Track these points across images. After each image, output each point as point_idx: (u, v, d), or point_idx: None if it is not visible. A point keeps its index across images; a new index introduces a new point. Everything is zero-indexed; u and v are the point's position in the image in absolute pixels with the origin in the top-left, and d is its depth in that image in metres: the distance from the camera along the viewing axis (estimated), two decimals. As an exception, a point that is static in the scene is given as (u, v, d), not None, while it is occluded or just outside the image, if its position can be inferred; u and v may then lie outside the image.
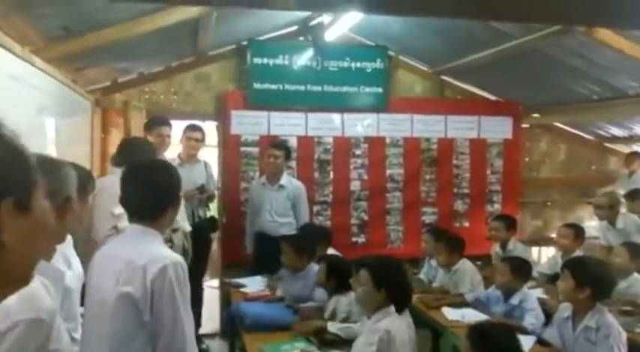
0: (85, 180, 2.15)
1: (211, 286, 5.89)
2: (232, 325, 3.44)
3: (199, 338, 4.88)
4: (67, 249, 2.15)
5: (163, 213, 1.90)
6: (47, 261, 1.56)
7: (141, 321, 1.71)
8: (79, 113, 3.76)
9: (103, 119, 4.86)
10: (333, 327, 2.71)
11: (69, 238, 2.23)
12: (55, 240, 1.62)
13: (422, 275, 4.40)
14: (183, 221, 4.30)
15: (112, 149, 4.27)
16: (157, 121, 4.21)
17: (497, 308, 3.50)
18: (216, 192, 4.93)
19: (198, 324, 4.90)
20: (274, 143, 4.83)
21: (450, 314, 3.47)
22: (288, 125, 5.34)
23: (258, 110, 5.23)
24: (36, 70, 2.82)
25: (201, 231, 4.69)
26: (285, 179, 4.70)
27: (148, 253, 1.77)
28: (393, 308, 2.52)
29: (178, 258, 1.83)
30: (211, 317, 5.26)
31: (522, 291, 3.48)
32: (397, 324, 2.47)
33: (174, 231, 4.14)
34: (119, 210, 2.43)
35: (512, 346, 2.21)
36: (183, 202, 4.47)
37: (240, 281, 4.08)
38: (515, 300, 3.44)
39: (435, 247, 4.22)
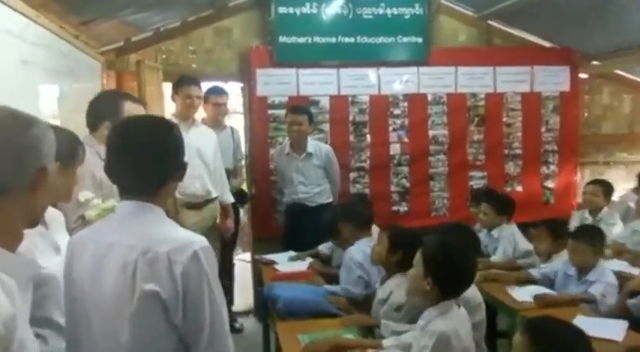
0: (71, 147, 1.72)
1: (243, 260, 5.53)
2: (265, 308, 3.01)
3: (232, 316, 4.53)
4: (56, 231, 1.73)
5: (164, 185, 1.46)
6: (11, 251, 1.11)
7: (171, 324, 1.31)
8: (85, 75, 3.31)
9: (117, 83, 4.43)
10: (388, 342, 2.19)
11: (59, 218, 1.81)
12: (24, 223, 1.17)
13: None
14: (223, 190, 3.90)
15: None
16: (185, 80, 3.79)
17: (571, 287, 2.99)
18: (243, 162, 4.47)
19: (230, 301, 4.55)
20: (294, 107, 4.35)
21: (517, 293, 2.97)
22: (319, 83, 4.81)
23: (286, 68, 4.72)
24: (27, 21, 2.36)
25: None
26: (312, 145, 4.25)
27: (166, 238, 1.35)
28: (449, 303, 2.03)
29: (204, 239, 1.39)
30: (244, 294, 4.90)
31: (600, 266, 2.98)
32: (454, 323, 1.98)
33: (206, 202, 3.74)
34: (85, 195, 2.01)
35: (579, 340, 1.72)
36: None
37: (272, 257, 3.64)
38: (592, 277, 2.94)
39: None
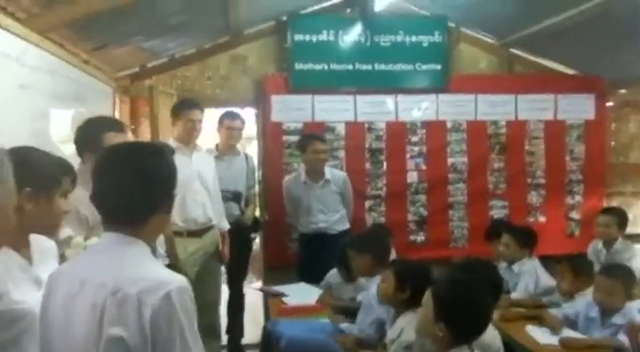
0: (51, 174, 1.62)
1: (257, 288, 5.39)
2: (268, 346, 2.87)
3: (241, 349, 4.40)
4: (45, 263, 1.64)
5: (151, 216, 1.34)
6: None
7: None
8: (96, 100, 3.29)
9: (131, 108, 4.43)
10: None
11: (52, 250, 1.73)
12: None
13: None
14: (220, 218, 3.83)
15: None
16: (186, 104, 3.71)
17: (595, 332, 2.77)
18: (257, 188, 4.40)
19: (240, 334, 4.42)
20: (318, 136, 4.25)
21: (539, 334, 2.78)
22: (335, 110, 4.74)
23: (301, 94, 4.66)
24: (27, 45, 2.34)
25: (242, 231, 4.20)
26: (328, 172, 4.18)
27: (139, 276, 1.23)
28: (462, 349, 1.86)
29: (183, 280, 1.27)
30: (256, 324, 4.75)
31: (626, 308, 2.76)
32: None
33: (206, 229, 3.66)
34: (66, 232, 1.89)
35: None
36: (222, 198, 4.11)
37: (281, 288, 3.51)
38: (618, 320, 2.72)
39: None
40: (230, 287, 4.38)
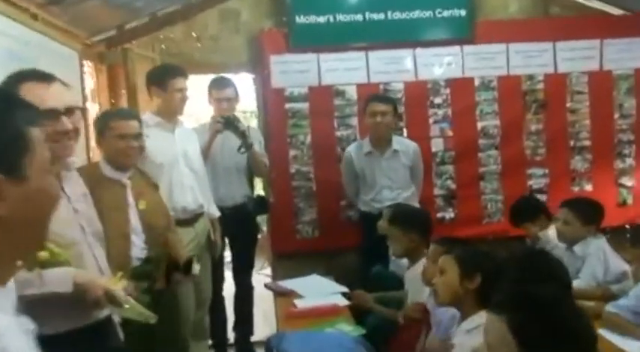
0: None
1: (267, 275, 4.84)
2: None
3: (251, 347, 3.85)
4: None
5: None
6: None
7: None
8: (52, 68, 2.62)
9: (109, 79, 3.79)
10: None
11: None
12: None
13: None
14: (209, 204, 3.24)
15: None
16: (172, 71, 3.08)
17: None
18: (266, 161, 3.74)
19: (249, 331, 3.87)
20: (377, 95, 3.70)
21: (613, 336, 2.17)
22: (345, 70, 4.07)
23: (305, 53, 4.00)
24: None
25: (245, 214, 3.61)
26: (397, 141, 3.57)
27: None
28: None
29: None
30: (267, 319, 4.19)
31: None
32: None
33: (197, 216, 3.09)
34: None
35: None
36: (222, 177, 3.44)
37: (291, 284, 2.92)
38: None
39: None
40: (236, 279, 3.81)
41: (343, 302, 2.55)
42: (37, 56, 2.38)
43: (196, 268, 2.42)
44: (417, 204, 3.54)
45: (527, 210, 3.32)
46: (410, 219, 2.70)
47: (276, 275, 4.14)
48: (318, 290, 2.77)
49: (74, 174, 1.80)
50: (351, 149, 3.66)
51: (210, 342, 3.63)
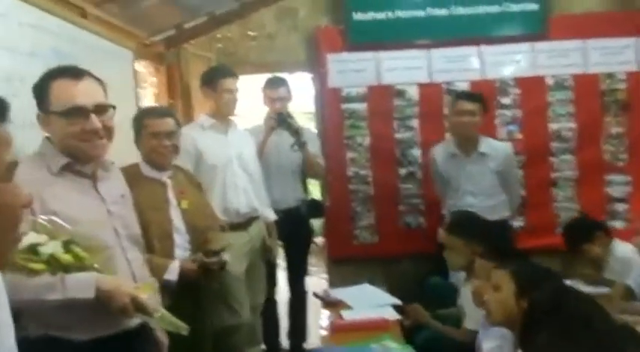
0: None
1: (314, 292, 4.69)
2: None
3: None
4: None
5: None
6: None
7: None
8: (103, 67, 2.59)
9: (168, 80, 3.78)
10: None
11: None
12: None
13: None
14: (264, 207, 3.15)
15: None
16: (222, 72, 3.02)
17: None
18: (321, 162, 3.60)
19: (302, 336, 3.76)
20: (465, 93, 3.47)
21: None
22: (405, 69, 3.88)
23: (363, 51, 3.85)
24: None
25: (299, 217, 3.49)
26: (485, 143, 3.25)
27: None
28: None
29: None
30: (315, 328, 4.06)
31: None
32: None
33: (251, 220, 3.00)
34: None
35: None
36: (276, 178, 3.33)
37: (341, 294, 2.76)
38: None
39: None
40: (289, 284, 3.69)
41: (393, 315, 2.36)
42: (86, 55, 2.35)
43: (225, 256, 2.31)
44: (507, 213, 3.26)
45: (582, 230, 3.03)
46: (472, 227, 2.46)
47: (331, 281, 4.00)
48: (368, 302, 2.59)
49: (113, 174, 1.72)
50: (435, 149, 3.41)
51: (263, 348, 3.54)
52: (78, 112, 1.50)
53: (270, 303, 3.52)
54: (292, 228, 3.42)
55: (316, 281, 4.00)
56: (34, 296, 1.35)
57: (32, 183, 1.41)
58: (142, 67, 3.46)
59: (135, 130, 2.34)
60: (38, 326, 1.47)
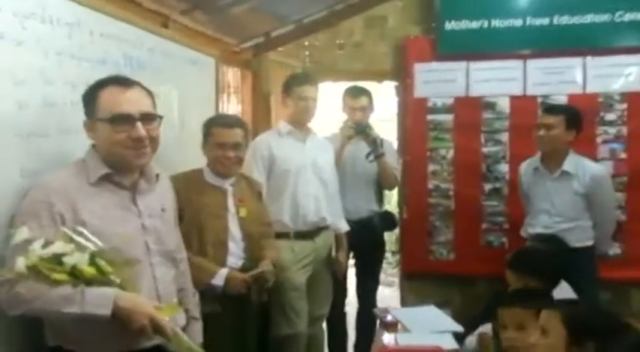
0: None
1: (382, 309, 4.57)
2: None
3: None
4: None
5: None
6: None
7: None
8: (183, 74, 2.70)
9: (253, 86, 3.86)
10: None
11: None
12: None
13: None
14: (337, 217, 3.13)
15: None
16: (297, 79, 3.05)
17: None
18: (397, 174, 3.53)
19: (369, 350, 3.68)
20: (546, 106, 3.32)
21: None
22: (497, 80, 3.67)
23: (452, 60, 3.70)
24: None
25: (370, 229, 3.43)
26: (572, 161, 2.98)
27: None
28: None
29: None
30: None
31: None
32: None
33: (318, 230, 2.98)
34: (23, 232, 1.35)
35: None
36: (350, 187, 3.27)
37: (402, 315, 2.66)
38: None
39: None
40: (358, 298, 3.63)
41: (450, 345, 2.23)
42: (163, 62, 2.45)
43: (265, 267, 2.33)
44: (588, 242, 2.95)
45: None
46: (531, 264, 2.23)
47: (403, 295, 3.90)
48: (429, 326, 2.46)
49: (158, 186, 1.69)
50: (524, 163, 3.22)
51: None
52: (124, 119, 1.51)
53: (340, 315, 3.49)
54: (364, 239, 3.36)
55: (394, 292, 3.90)
56: (52, 306, 1.35)
57: (67, 191, 1.46)
58: (229, 73, 3.57)
59: (203, 136, 2.36)
60: (54, 337, 1.49)
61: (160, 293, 1.60)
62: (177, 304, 1.64)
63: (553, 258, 2.41)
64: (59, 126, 1.74)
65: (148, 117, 1.56)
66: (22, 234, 1.29)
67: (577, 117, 2.96)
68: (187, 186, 2.22)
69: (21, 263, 1.25)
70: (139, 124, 1.52)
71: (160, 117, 1.62)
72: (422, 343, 2.27)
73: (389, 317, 2.60)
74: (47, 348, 1.49)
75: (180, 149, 2.49)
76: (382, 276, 5.66)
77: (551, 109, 3.08)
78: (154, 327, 1.39)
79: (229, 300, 2.21)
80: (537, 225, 3.01)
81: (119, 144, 1.52)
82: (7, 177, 1.52)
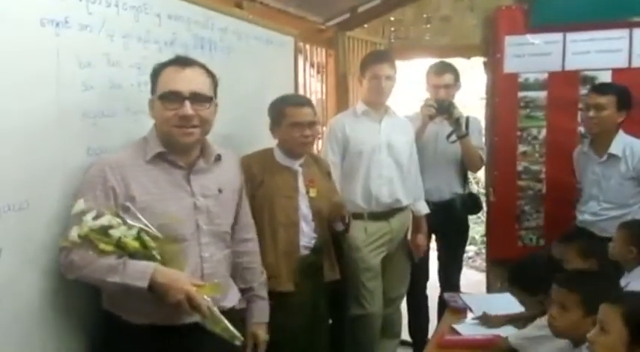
0: None
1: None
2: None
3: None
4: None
5: None
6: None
7: None
8: (254, 56, 2.74)
9: (336, 67, 3.81)
10: None
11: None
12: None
13: None
14: (416, 199, 3.06)
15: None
16: (371, 57, 2.99)
17: None
18: (482, 154, 3.36)
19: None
20: (596, 85, 3.05)
21: None
22: (598, 52, 3.35)
23: (547, 32, 3.42)
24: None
25: (452, 211, 3.32)
26: (619, 143, 2.77)
27: None
28: None
29: None
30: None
31: None
32: None
33: (393, 211, 2.92)
34: (79, 205, 1.47)
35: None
36: (431, 168, 3.20)
37: (472, 301, 2.55)
38: None
39: None
40: (440, 281, 3.53)
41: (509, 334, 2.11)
42: (237, 44, 2.50)
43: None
44: None
45: None
46: (531, 279, 2.03)
47: (489, 281, 3.75)
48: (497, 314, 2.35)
49: (218, 167, 1.70)
50: (577, 149, 3.03)
51: (410, 341, 3.49)
52: (173, 97, 1.52)
53: (422, 298, 3.43)
54: (445, 221, 3.25)
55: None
56: (98, 274, 1.43)
57: (122, 167, 1.53)
58: (312, 53, 3.56)
59: (272, 118, 2.35)
60: (107, 301, 1.60)
61: (205, 272, 1.62)
62: (221, 284, 1.62)
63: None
64: (126, 106, 1.84)
65: (199, 98, 1.56)
66: (79, 205, 1.41)
67: (628, 97, 2.74)
68: (263, 165, 2.26)
69: (74, 232, 1.38)
70: (187, 103, 1.53)
71: (212, 98, 1.63)
72: (481, 333, 2.17)
73: (459, 303, 2.50)
74: (101, 312, 1.61)
75: (257, 130, 2.50)
76: (478, 261, 5.50)
77: (601, 88, 2.85)
78: (190, 304, 1.42)
79: (303, 280, 2.24)
80: (586, 212, 2.84)
81: (167, 122, 1.56)
82: (74, 156, 1.63)
